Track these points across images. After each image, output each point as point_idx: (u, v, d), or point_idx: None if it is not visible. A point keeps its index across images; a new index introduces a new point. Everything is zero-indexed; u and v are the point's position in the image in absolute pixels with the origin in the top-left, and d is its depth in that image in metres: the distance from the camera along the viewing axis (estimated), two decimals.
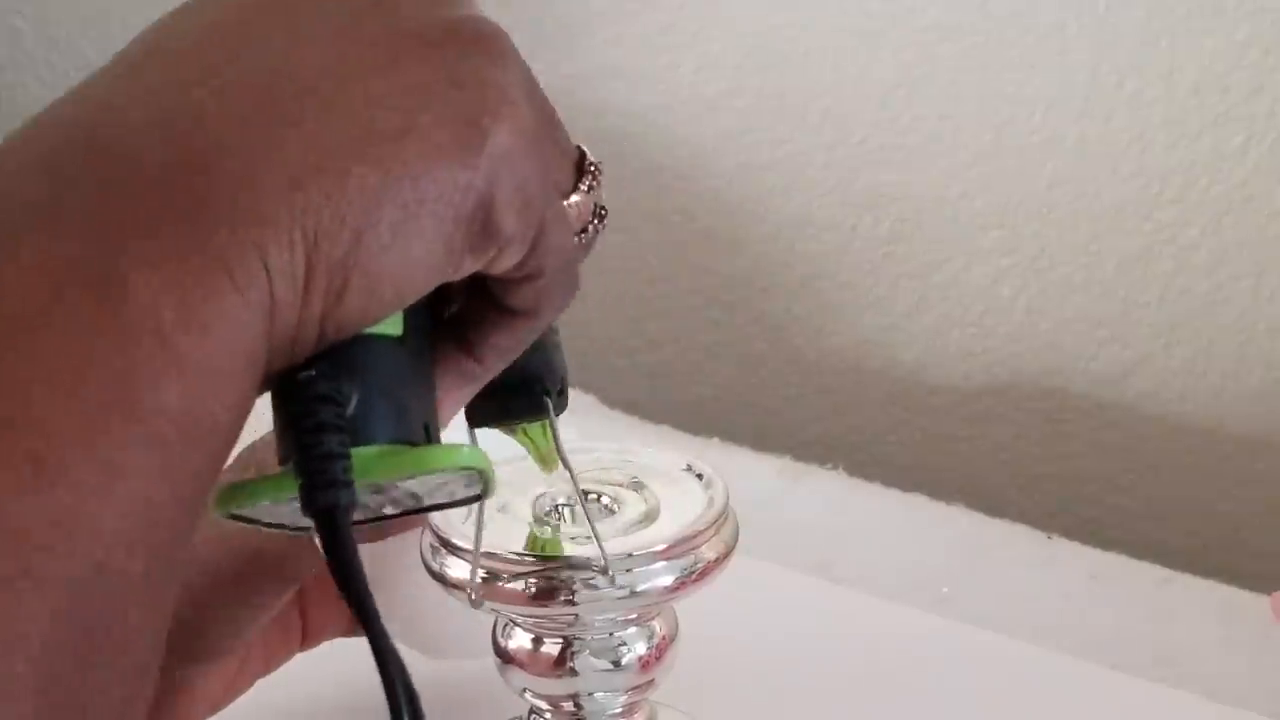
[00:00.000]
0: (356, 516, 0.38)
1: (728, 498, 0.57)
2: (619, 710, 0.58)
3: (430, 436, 0.38)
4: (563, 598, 0.54)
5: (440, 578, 0.56)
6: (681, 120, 1.02)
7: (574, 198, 0.39)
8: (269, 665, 0.59)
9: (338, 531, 0.34)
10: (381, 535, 0.57)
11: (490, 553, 0.54)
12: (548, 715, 0.58)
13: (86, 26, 1.23)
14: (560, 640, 0.57)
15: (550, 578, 0.54)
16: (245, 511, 0.37)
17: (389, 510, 0.39)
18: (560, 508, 0.57)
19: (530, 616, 0.56)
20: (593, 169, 0.40)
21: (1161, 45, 0.89)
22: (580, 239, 0.40)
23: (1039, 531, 0.83)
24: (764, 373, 1.04)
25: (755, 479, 0.86)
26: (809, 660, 0.72)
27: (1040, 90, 0.93)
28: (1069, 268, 0.95)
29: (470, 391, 0.41)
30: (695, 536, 0.55)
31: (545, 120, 0.38)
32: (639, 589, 0.54)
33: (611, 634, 0.57)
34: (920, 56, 0.95)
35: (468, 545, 0.54)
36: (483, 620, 0.58)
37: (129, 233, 0.31)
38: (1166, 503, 0.96)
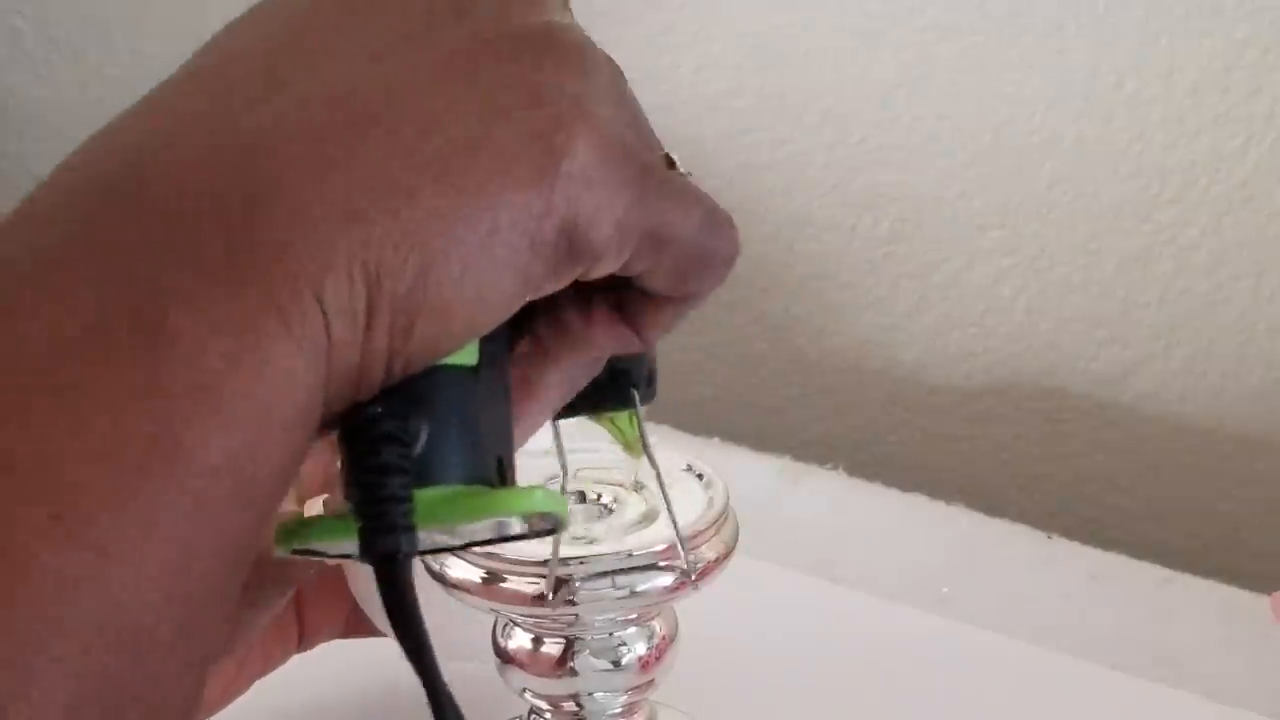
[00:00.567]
0: (424, 548, 0.36)
1: (728, 498, 0.57)
2: (619, 710, 0.58)
3: (503, 472, 0.36)
4: (563, 598, 0.54)
5: (440, 578, 0.56)
6: (681, 120, 1.02)
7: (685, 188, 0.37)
8: (266, 666, 0.59)
9: (397, 579, 0.32)
10: None
11: (490, 552, 0.54)
12: (548, 715, 0.58)
13: (86, 26, 1.23)
14: (560, 640, 0.57)
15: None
16: (309, 550, 0.36)
17: (455, 544, 0.37)
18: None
19: (530, 616, 0.56)
20: (683, 174, 0.38)
21: (1161, 45, 0.89)
22: None
23: (1039, 531, 0.83)
24: (764, 373, 1.04)
25: (755, 479, 0.86)
26: (809, 660, 0.72)
27: (1039, 90, 0.93)
28: (1069, 268, 0.95)
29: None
30: (695, 536, 0.55)
31: (631, 126, 0.35)
32: (639, 589, 0.54)
33: (611, 634, 0.57)
34: (920, 56, 0.95)
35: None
36: (483, 622, 0.58)
37: (173, 271, 0.29)
38: (1166, 503, 0.96)
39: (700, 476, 0.59)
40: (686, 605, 0.57)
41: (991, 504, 0.86)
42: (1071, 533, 0.84)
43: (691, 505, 0.57)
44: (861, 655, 0.72)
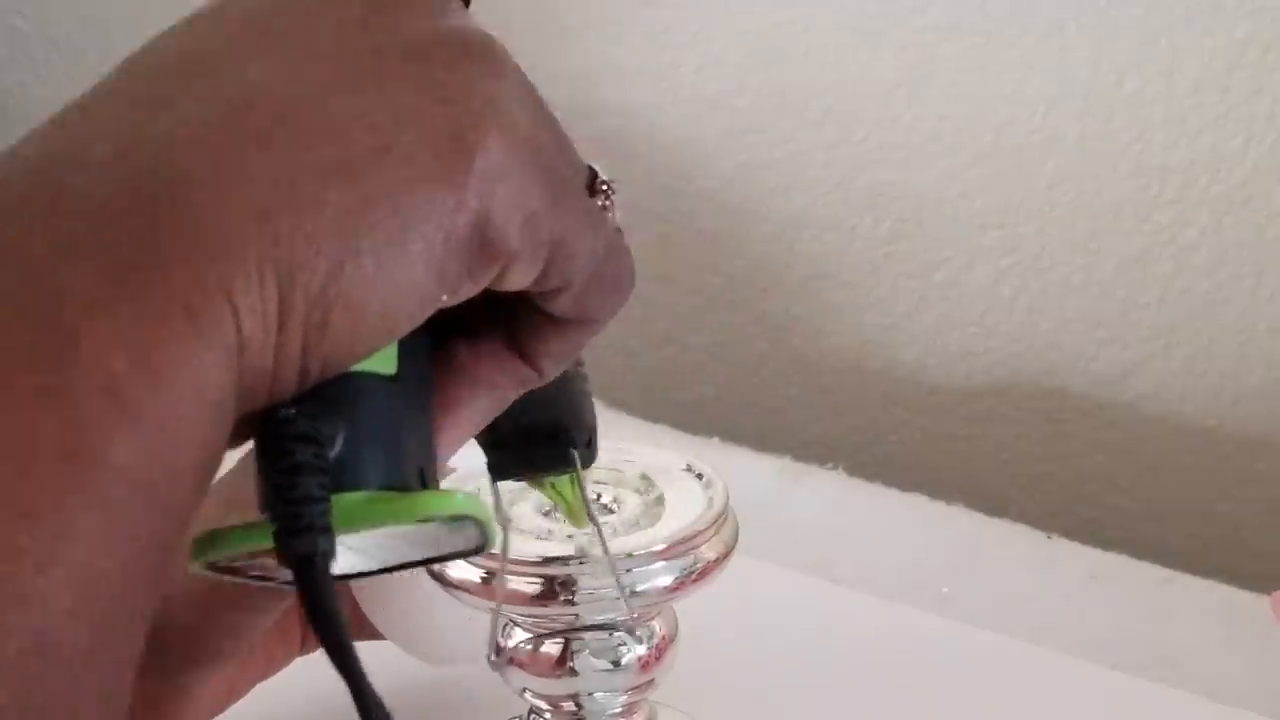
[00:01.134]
0: (348, 570, 0.36)
1: (728, 498, 0.57)
2: (619, 710, 0.58)
3: (425, 483, 0.35)
4: (563, 598, 0.54)
5: (440, 578, 0.56)
6: (681, 120, 1.02)
7: (599, 210, 0.37)
8: (268, 669, 0.59)
9: (316, 581, 0.32)
10: None
11: (491, 553, 0.54)
12: (548, 715, 0.58)
13: (86, 26, 1.23)
14: (560, 640, 0.57)
15: (550, 577, 0.54)
16: (224, 562, 0.35)
17: (379, 565, 0.36)
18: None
19: (530, 616, 0.56)
20: (605, 188, 0.38)
21: (1161, 44, 0.89)
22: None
23: (1039, 531, 0.83)
24: (764, 373, 1.04)
25: (755, 479, 0.86)
26: (809, 660, 0.72)
27: (1040, 90, 0.93)
28: (1069, 268, 0.95)
29: (517, 394, 0.38)
30: (695, 536, 0.55)
31: (545, 130, 0.35)
32: (639, 589, 0.54)
33: (611, 634, 0.57)
34: (920, 56, 0.95)
35: None
36: (483, 627, 0.58)
37: (79, 276, 0.29)
38: (1166, 503, 0.96)
39: (700, 476, 0.58)
40: (686, 605, 0.57)
41: (991, 504, 0.86)
42: (1071, 533, 0.84)
43: (691, 505, 0.57)
44: (861, 655, 0.72)
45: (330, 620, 0.32)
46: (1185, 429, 0.95)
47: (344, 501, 0.33)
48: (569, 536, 0.55)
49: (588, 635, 0.56)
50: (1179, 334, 0.94)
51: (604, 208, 0.38)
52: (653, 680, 0.58)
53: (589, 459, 0.47)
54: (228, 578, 0.36)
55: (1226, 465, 0.94)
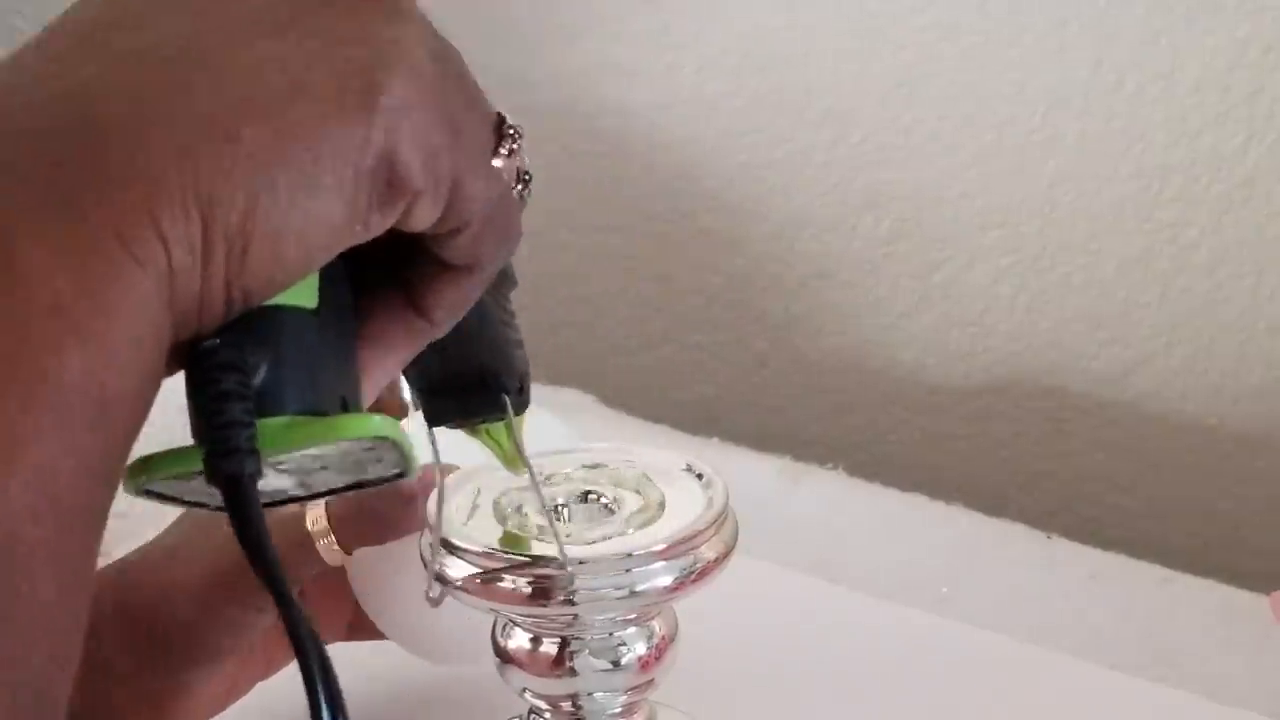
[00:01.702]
0: (277, 496, 0.37)
1: (728, 498, 0.57)
2: (619, 710, 0.58)
3: (348, 410, 0.37)
4: (562, 597, 0.54)
5: (440, 577, 0.56)
6: (681, 120, 1.02)
7: (495, 162, 0.39)
8: (268, 669, 0.59)
9: (243, 500, 0.33)
10: (382, 540, 0.57)
11: (490, 552, 0.54)
12: (547, 715, 0.58)
13: None
14: (560, 640, 0.57)
15: (550, 577, 0.54)
16: (159, 487, 0.36)
17: (306, 490, 0.38)
18: (560, 507, 0.57)
19: (530, 616, 0.56)
20: (512, 132, 0.39)
21: (1161, 44, 0.89)
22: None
23: (1039, 531, 0.83)
24: (764, 373, 1.04)
25: (755, 479, 0.86)
26: (809, 660, 0.72)
27: (1040, 90, 0.93)
28: (1069, 267, 0.95)
29: (420, 348, 0.40)
30: (695, 536, 0.55)
31: (450, 74, 0.37)
32: (639, 589, 0.54)
33: (611, 634, 0.57)
34: (920, 56, 0.95)
35: (467, 545, 0.55)
36: (483, 626, 0.58)
37: (19, 206, 0.31)
38: (1167, 502, 0.96)
39: (700, 476, 0.59)
40: (686, 605, 0.57)
41: (991, 504, 0.86)
42: (1071, 532, 0.83)
43: (691, 505, 0.57)
44: (861, 655, 0.72)
45: (259, 538, 0.34)
46: (1186, 428, 0.95)
47: (267, 426, 0.35)
48: (566, 535, 0.55)
49: (587, 635, 0.56)
50: (1179, 333, 0.94)
51: (511, 152, 0.39)
52: (653, 680, 0.58)
53: (521, 405, 0.48)
54: (165, 504, 0.37)
55: (1227, 464, 0.94)
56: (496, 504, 0.57)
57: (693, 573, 0.55)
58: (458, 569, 0.55)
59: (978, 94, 0.95)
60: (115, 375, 0.31)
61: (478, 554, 0.54)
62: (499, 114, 0.40)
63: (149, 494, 0.36)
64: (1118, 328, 0.95)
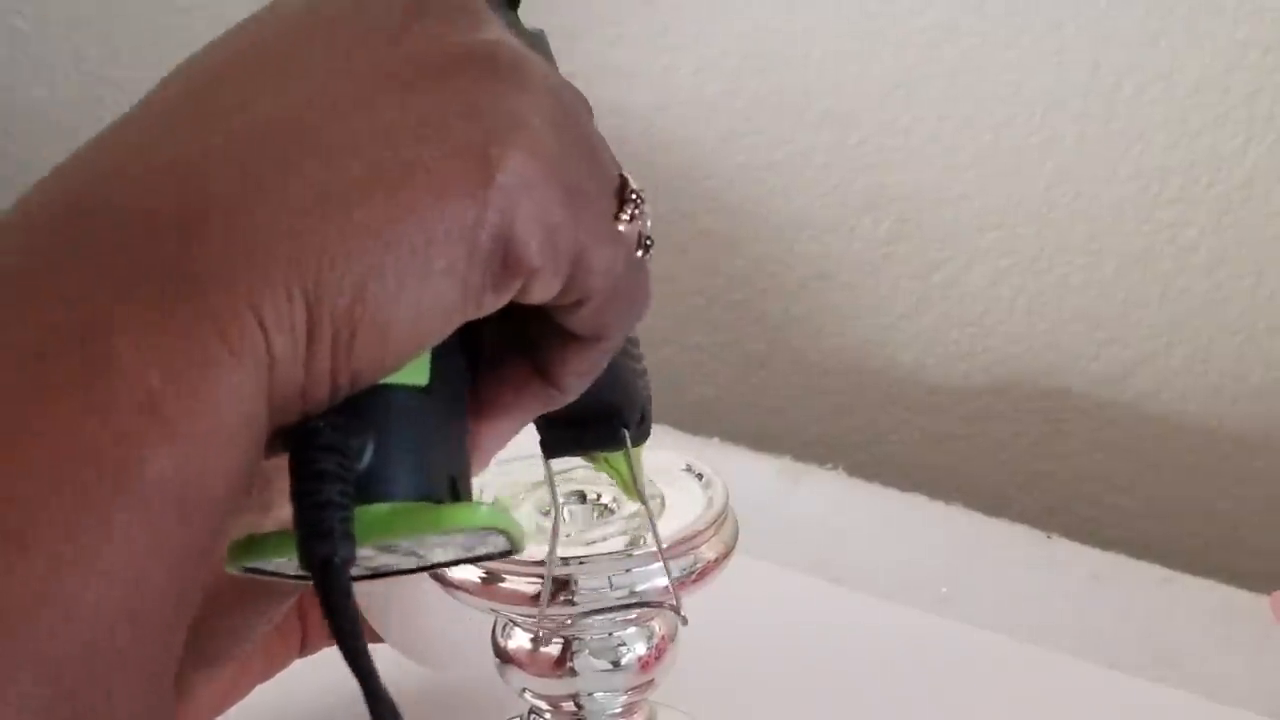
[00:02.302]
0: (382, 569, 0.36)
1: (728, 498, 0.57)
2: (619, 710, 0.58)
3: (457, 492, 0.36)
4: (562, 598, 0.54)
5: (440, 578, 0.56)
6: (681, 122, 1.02)
7: (618, 227, 0.37)
8: (268, 671, 0.59)
9: (334, 586, 0.32)
10: None
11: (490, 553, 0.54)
12: (547, 715, 0.58)
13: (86, 26, 1.23)
14: (560, 640, 0.57)
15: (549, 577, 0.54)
16: (259, 564, 0.35)
17: (411, 565, 0.37)
18: (559, 506, 0.57)
19: (530, 616, 0.56)
20: (635, 196, 0.38)
21: (1161, 45, 0.89)
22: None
23: (1039, 531, 0.83)
24: (764, 373, 1.04)
25: (755, 479, 0.86)
26: (809, 660, 0.72)
27: (1040, 90, 0.93)
28: (1068, 268, 0.95)
29: (544, 412, 0.39)
30: (695, 536, 0.55)
31: (572, 141, 0.35)
32: (639, 589, 0.54)
33: (611, 634, 0.57)
34: (920, 57, 0.95)
35: None
36: (482, 632, 0.58)
37: (114, 295, 0.30)
38: (1167, 502, 0.96)
39: (700, 476, 0.58)
40: (687, 605, 0.57)
41: (991, 504, 0.86)
42: (1071, 532, 0.84)
43: (691, 505, 0.57)
44: (861, 655, 0.72)
45: (347, 624, 0.32)
46: (1185, 428, 0.95)
47: (370, 513, 0.33)
48: (566, 535, 0.55)
49: (587, 635, 0.56)
50: (1179, 333, 0.94)
51: (633, 217, 0.38)
52: (653, 680, 0.58)
53: (641, 436, 0.47)
54: (265, 579, 0.36)
55: (1226, 464, 0.94)
56: (497, 502, 0.57)
57: (693, 573, 0.55)
58: (457, 569, 0.55)
59: (976, 96, 0.95)
60: (207, 471, 0.30)
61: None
62: (621, 176, 0.38)
63: (249, 571, 0.36)
64: (1116, 328, 0.95)
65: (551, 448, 0.47)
